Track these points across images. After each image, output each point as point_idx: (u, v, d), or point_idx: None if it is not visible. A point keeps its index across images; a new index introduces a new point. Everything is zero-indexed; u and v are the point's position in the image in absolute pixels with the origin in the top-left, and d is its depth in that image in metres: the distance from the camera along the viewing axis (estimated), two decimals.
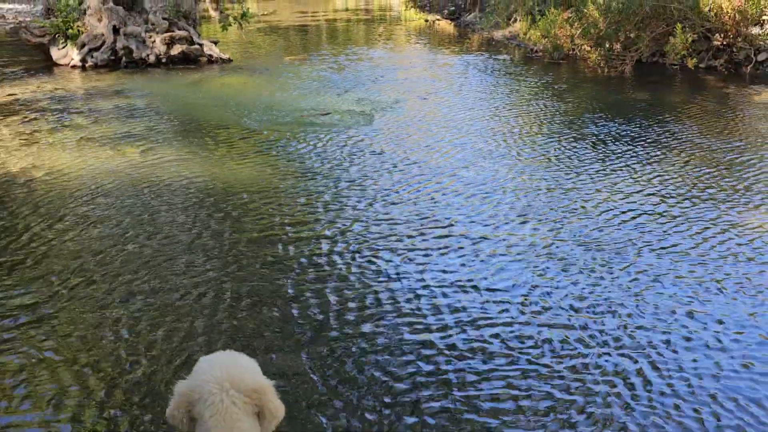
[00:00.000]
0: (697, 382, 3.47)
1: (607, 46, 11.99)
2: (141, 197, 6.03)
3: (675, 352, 3.72)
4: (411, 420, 3.22)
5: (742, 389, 3.42)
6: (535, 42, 13.45)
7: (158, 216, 5.62)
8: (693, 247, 4.94)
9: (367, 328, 3.98)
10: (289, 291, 4.39)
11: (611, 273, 4.59)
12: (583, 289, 4.39)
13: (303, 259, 4.82)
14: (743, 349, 3.74)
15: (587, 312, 4.12)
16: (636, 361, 3.63)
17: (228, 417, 2.05)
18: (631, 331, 3.91)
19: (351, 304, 4.23)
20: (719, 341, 3.81)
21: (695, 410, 3.27)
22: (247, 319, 4.06)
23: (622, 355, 3.69)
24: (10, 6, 22.09)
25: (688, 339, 3.83)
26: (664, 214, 5.54)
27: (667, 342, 3.80)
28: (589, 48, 12.12)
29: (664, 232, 5.20)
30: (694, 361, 3.64)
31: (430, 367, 3.61)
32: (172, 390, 2.19)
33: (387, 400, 3.36)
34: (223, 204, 5.86)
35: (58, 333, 3.93)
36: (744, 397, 3.36)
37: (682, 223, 5.35)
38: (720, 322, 4.00)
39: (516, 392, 3.41)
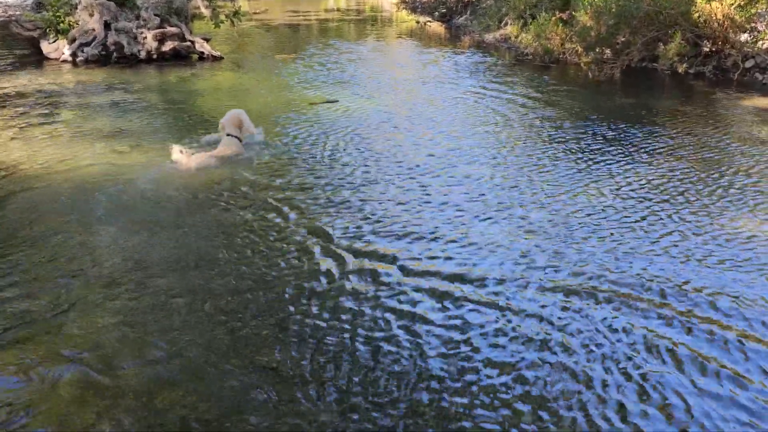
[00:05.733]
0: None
1: (598, 50, 12.07)
2: (129, 191, 6.03)
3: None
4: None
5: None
6: (527, 45, 13.53)
7: (145, 210, 5.62)
8: (682, 250, 5.01)
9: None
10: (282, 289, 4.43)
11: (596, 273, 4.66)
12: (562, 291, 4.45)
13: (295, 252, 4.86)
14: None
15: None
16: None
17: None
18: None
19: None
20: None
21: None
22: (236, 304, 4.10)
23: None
24: None
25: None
26: (648, 217, 5.61)
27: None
28: (580, 51, 12.21)
29: (653, 234, 5.27)
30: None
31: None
32: None
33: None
34: (212, 198, 5.87)
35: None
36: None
37: (668, 226, 5.42)
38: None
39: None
